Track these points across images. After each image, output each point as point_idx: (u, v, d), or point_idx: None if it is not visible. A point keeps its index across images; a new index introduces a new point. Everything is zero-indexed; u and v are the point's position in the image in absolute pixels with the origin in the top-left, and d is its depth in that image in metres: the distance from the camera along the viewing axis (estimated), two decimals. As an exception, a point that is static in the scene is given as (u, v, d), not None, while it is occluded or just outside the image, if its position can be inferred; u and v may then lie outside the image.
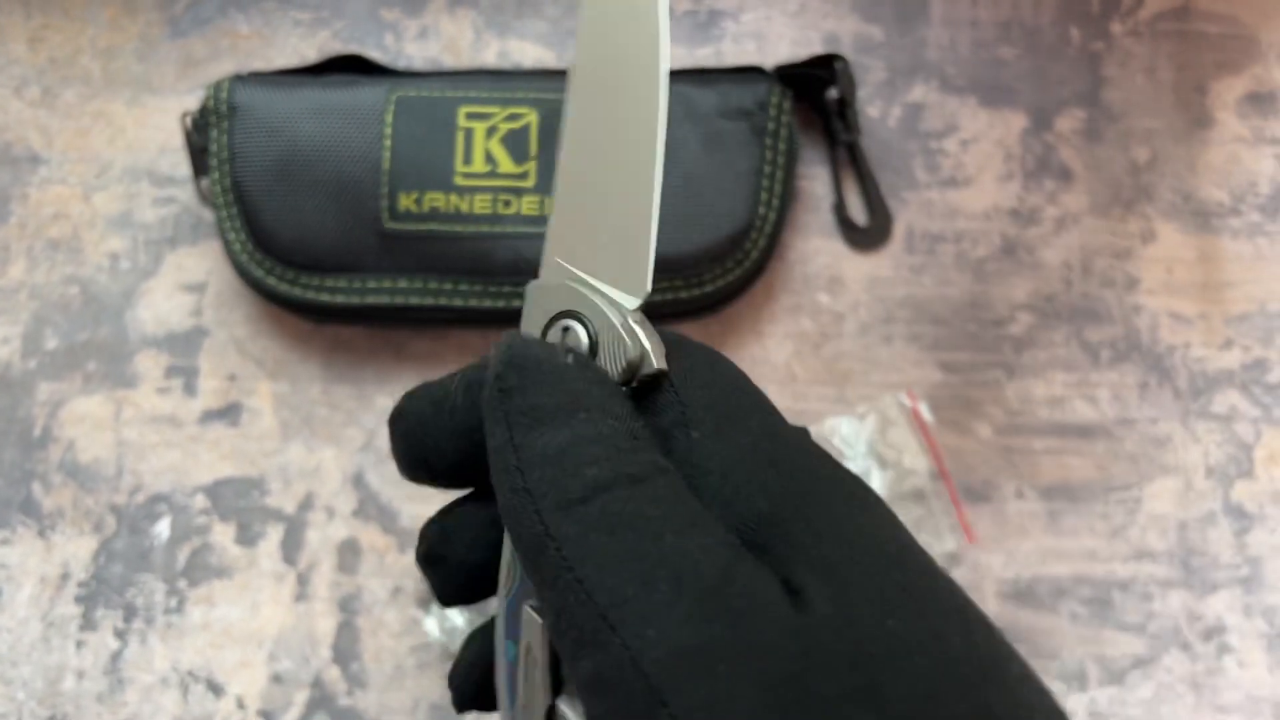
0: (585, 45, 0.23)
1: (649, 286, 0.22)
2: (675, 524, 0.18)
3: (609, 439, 0.19)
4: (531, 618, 0.22)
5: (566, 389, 0.20)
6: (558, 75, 0.47)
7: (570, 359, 0.21)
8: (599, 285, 0.22)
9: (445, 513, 0.25)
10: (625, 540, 0.18)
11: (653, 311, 0.46)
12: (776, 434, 0.21)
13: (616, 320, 0.21)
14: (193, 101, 0.50)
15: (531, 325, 0.23)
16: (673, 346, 0.22)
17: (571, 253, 0.23)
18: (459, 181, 0.45)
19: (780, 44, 0.51)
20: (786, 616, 0.17)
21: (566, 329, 0.22)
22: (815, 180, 0.50)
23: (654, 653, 0.17)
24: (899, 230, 0.49)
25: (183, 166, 0.49)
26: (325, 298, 0.45)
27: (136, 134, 0.50)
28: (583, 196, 0.23)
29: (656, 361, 0.21)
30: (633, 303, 0.22)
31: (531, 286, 0.23)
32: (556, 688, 0.22)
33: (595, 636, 0.18)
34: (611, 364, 0.21)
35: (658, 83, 0.22)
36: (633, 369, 0.21)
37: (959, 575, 0.46)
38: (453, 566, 0.25)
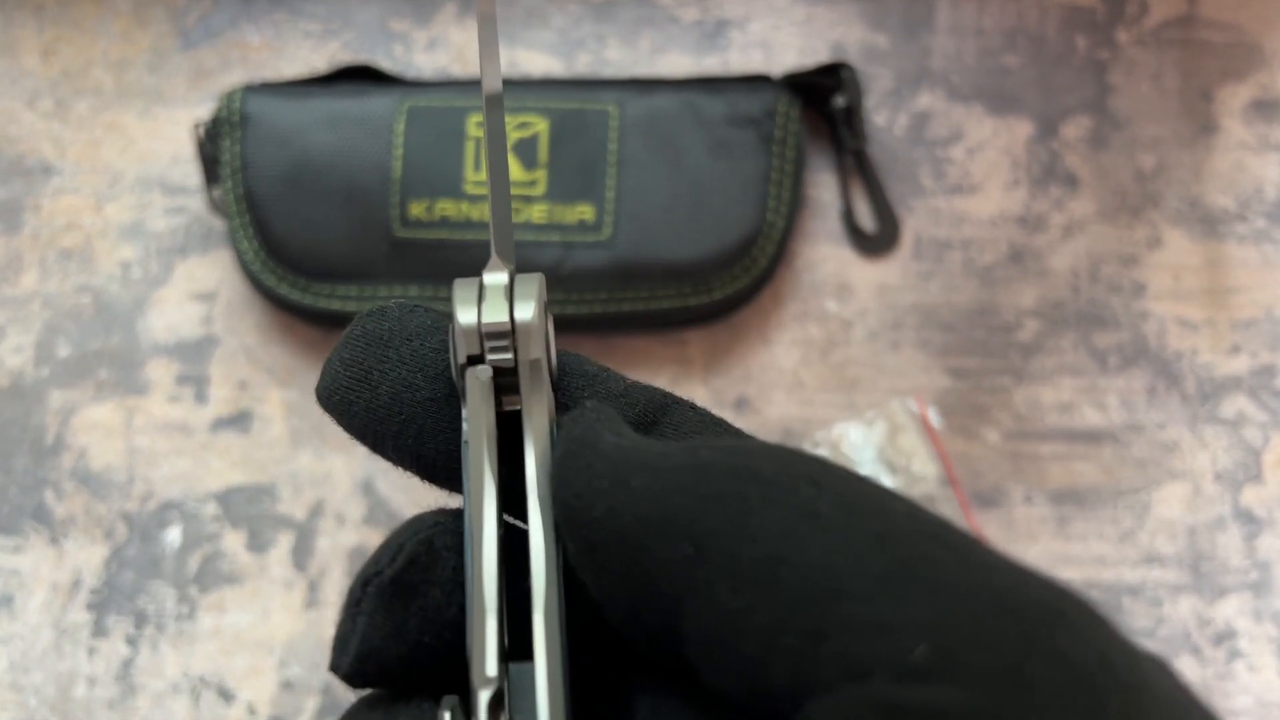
0: None
1: None
2: None
3: None
4: None
5: None
6: (567, 84, 0.47)
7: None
8: None
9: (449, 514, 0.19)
10: None
11: (661, 318, 0.46)
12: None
13: None
14: (204, 112, 0.50)
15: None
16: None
17: None
18: (469, 190, 0.45)
19: (787, 53, 0.51)
20: None
21: None
22: (823, 188, 0.50)
23: None
24: (907, 237, 0.49)
25: (193, 176, 0.50)
26: (336, 306, 0.45)
27: (148, 145, 0.50)
28: None
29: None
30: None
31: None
32: None
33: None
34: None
35: None
36: None
37: (968, 581, 0.46)
38: (423, 610, 0.17)
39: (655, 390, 0.18)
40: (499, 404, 0.18)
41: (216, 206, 0.47)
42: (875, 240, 0.49)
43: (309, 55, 0.51)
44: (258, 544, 0.46)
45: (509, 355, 0.17)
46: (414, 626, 0.17)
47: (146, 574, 0.46)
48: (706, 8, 0.52)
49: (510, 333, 0.17)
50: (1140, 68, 0.51)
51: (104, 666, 0.45)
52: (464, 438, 0.18)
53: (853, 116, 0.49)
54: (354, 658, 0.17)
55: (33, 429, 0.47)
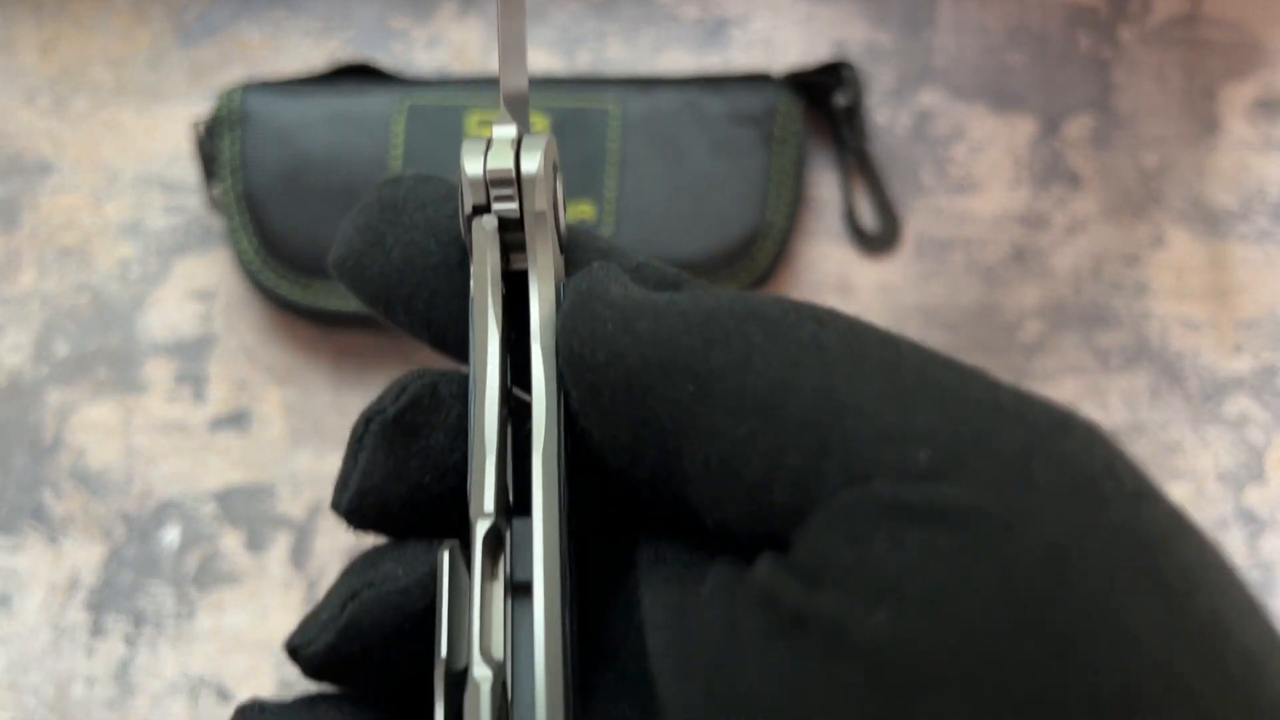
0: None
1: None
2: None
3: None
4: None
5: None
6: (567, 83, 0.47)
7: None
8: None
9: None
10: None
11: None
12: None
13: None
14: (203, 110, 0.50)
15: None
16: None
17: None
18: (469, 188, 0.45)
19: (788, 51, 0.51)
20: None
21: None
22: (824, 187, 0.50)
23: None
24: (908, 237, 0.49)
25: (192, 174, 0.49)
26: (336, 304, 0.45)
27: (147, 142, 0.50)
28: None
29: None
30: None
31: None
32: None
33: None
34: None
35: None
36: None
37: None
38: (425, 452, 0.17)
39: (669, 268, 0.18)
40: (507, 263, 0.18)
41: (216, 205, 0.47)
42: (877, 239, 0.49)
43: (309, 53, 0.51)
44: (256, 544, 0.46)
45: (514, 205, 0.18)
46: (415, 467, 0.17)
47: (145, 574, 0.46)
48: (707, 6, 0.51)
49: (515, 180, 0.17)
50: (1143, 66, 0.51)
51: (102, 666, 0.45)
52: (471, 294, 0.18)
53: (854, 115, 0.48)
54: (353, 493, 0.17)
55: (31, 428, 0.47)
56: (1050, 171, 0.50)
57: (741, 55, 0.51)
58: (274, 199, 0.45)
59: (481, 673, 0.16)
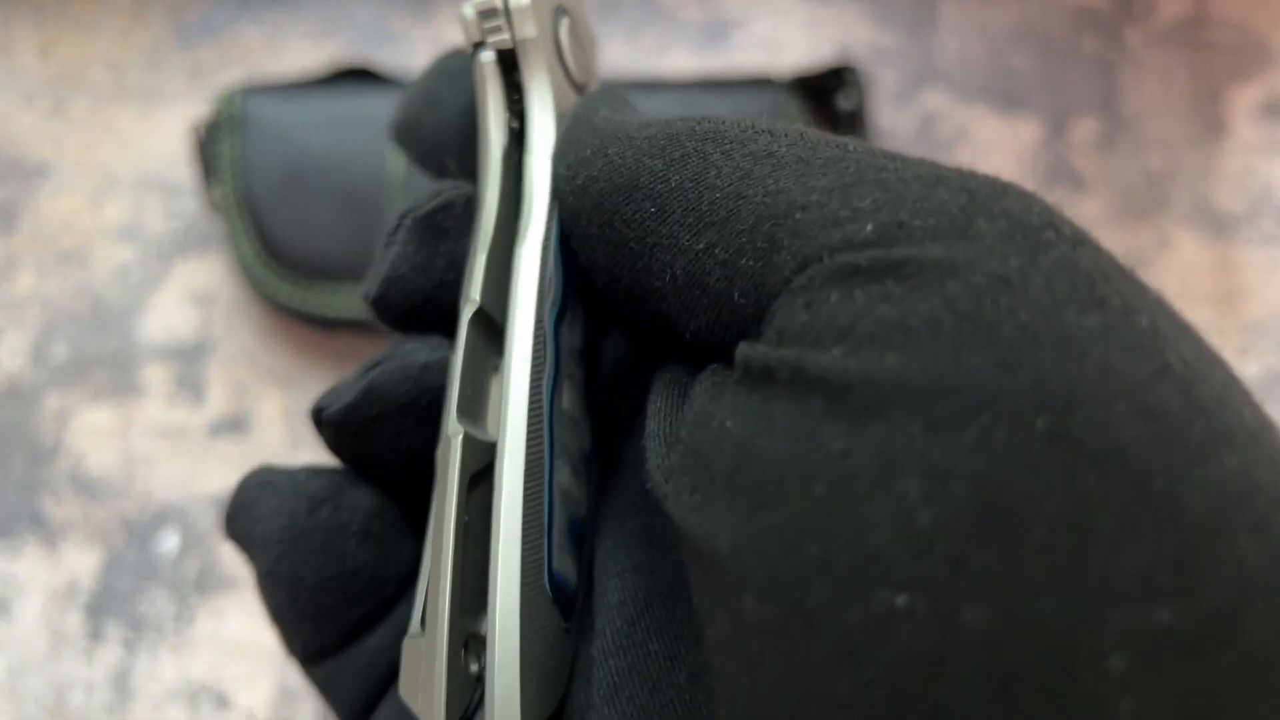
0: None
1: None
2: None
3: None
4: None
5: None
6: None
7: None
8: None
9: None
10: None
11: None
12: None
13: None
14: (202, 112, 0.50)
15: None
16: None
17: None
18: (470, 191, 0.45)
19: (791, 53, 0.51)
20: None
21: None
22: (827, 189, 0.49)
23: None
24: (911, 239, 0.49)
25: (192, 177, 0.49)
26: (336, 308, 0.45)
27: (146, 145, 0.50)
28: None
29: None
30: None
31: None
32: None
33: None
34: None
35: None
36: None
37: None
38: (451, 253, 0.19)
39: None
40: (520, 103, 0.19)
41: (215, 207, 0.47)
42: (880, 242, 0.48)
43: (308, 55, 0.51)
44: (256, 548, 0.46)
45: (505, 35, 0.19)
46: (441, 266, 0.18)
47: (144, 579, 0.45)
48: (709, 8, 0.51)
49: (505, 12, 0.19)
50: (1148, 69, 0.50)
51: (101, 672, 0.45)
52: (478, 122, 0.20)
53: (858, 118, 0.48)
54: (382, 280, 0.18)
55: (29, 432, 0.47)
56: (1055, 174, 0.49)
57: (744, 57, 0.51)
58: (274, 202, 0.45)
59: (453, 429, 0.16)
